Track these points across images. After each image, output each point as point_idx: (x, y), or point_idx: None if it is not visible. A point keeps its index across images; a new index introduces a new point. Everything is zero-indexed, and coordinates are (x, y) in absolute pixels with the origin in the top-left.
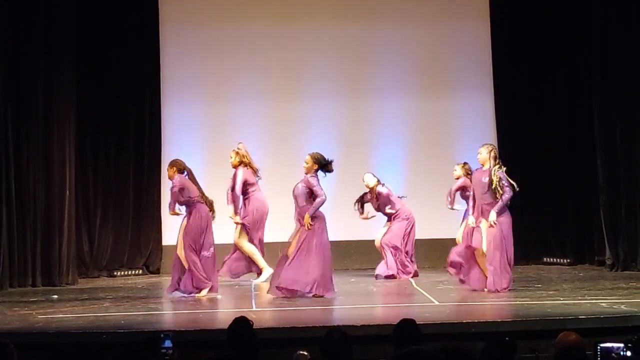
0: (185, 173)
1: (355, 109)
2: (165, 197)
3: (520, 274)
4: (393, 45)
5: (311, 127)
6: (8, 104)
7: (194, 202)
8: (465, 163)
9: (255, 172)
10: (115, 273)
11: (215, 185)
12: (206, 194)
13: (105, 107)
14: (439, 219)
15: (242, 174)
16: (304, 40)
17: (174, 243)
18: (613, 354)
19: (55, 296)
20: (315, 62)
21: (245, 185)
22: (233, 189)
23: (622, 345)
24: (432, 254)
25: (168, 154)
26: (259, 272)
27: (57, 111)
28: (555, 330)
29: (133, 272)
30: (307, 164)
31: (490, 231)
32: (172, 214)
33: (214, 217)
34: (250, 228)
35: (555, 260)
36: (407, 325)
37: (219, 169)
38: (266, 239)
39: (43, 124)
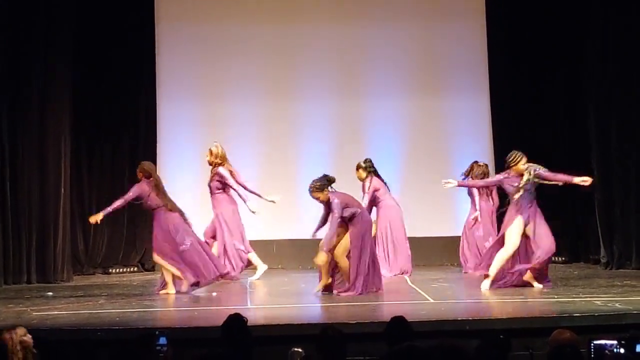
0: (152, 179)
1: (350, 108)
2: None
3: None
4: (388, 45)
5: (306, 126)
6: (4, 103)
7: (153, 210)
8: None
9: (231, 173)
10: (110, 270)
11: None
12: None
13: (100, 105)
14: (434, 218)
15: (225, 172)
16: (299, 39)
17: None
18: (606, 351)
19: (50, 293)
20: (311, 61)
21: (220, 184)
22: (231, 186)
23: (615, 342)
24: (427, 252)
25: (163, 152)
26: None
27: (52, 109)
28: (549, 328)
29: (128, 269)
30: (321, 197)
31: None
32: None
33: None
34: (231, 228)
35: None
36: (397, 323)
37: None
38: (263, 237)
39: (38, 122)
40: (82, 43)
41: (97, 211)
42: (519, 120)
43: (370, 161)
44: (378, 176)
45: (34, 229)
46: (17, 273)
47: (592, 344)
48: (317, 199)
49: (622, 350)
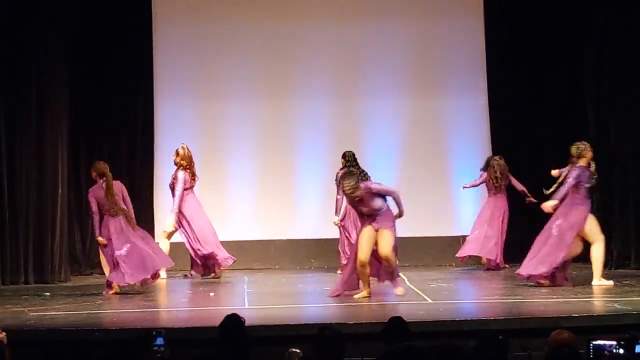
0: (104, 180)
1: (349, 108)
2: (158, 196)
3: (512, 272)
4: (386, 43)
5: (305, 126)
6: (2, 103)
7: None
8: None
9: (193, 176)
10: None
11: (207, 185)
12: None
13: (98, 105)
14: (432, 218)
15: (183, 176)
16: (295, 39)
17: None
18: (606, 352)
19: (48, 293)
20: (308, 61)
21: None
22: (173, 188)
23: (614, 342)
24: (425, 252)
25: (161, 153)
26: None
27: (50, 109)
28: (548, 328)
29: None
30: (360, 192)
31: None
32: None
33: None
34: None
35: None
36: (395, 323)
37: (211, 169)
38: (261, 237)
39: (36, 122)
40: (81, 43)
41: None
42: (518, 120)
43: (352, 156)
44: (359, 170)
45: (32, 229)
46: (14, 273)
47: (591, 345)
48: (357, 197)
49: (621, 351)
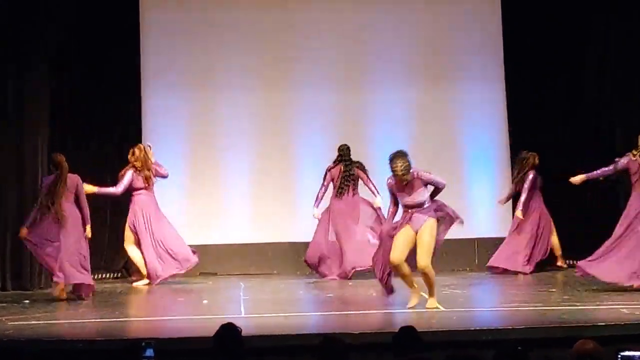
0: (57, 172)
1: (353, 99)
2: None
3: (533, 277)
4: (394, 31)
5: (305, 120)
6: None
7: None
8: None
9: (147, 180)
10: (92, 276)
11: (200, 184)
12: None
13: (81, 99)
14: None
15: (129, 176)
16: (296, 24)
17: None
18: None
19: (27, 301)
20: (310, 48)
21: (129, 188)
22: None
23: None
24: (437, 256)
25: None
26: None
27: (29, 104)
28: (572, 337)
29: (112, 275)
30: (409, 175)
31: None
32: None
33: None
34: (138, 231)
35: (570, 262)
36: (407, 333)
37: (204, 167)
38: (257, 240)
39: (15, 120)
40: (57, 31)
41: None
42: (520, 126)
43: (347, 149)
44: (346, 166)
45: (9, 231)
46: None
47: (619, 356)
48: (406, 180)
49: None
